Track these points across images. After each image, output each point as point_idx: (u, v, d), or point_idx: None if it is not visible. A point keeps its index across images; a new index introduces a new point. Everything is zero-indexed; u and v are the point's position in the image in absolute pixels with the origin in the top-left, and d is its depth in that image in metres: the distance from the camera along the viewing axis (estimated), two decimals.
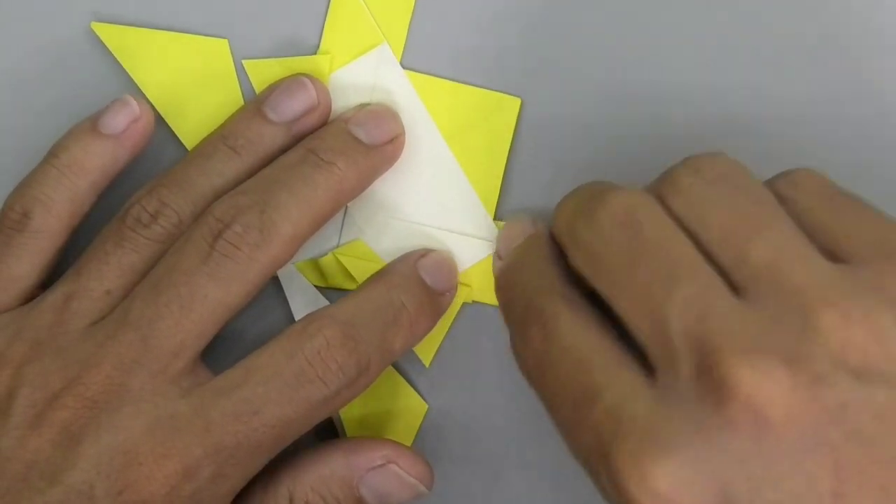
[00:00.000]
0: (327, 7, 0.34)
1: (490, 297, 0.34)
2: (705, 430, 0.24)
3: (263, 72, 0.34)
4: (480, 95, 0.34)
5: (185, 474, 0.29)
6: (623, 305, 0.26)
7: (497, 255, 0.33)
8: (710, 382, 0.24)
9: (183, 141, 0.34)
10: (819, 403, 0.23)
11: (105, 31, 0.35)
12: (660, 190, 0.28)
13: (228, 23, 0.35)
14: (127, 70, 0.34)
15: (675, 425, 0.24)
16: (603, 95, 0.34)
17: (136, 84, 0.34)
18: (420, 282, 0.33)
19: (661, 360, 0.25)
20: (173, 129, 0.34)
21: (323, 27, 0.34)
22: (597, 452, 0.25)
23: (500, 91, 0.34)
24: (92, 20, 0.35)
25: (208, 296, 0.30)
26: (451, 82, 0.34)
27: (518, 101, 0.34)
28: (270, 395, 0.29)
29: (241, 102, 0.34)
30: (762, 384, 0.23)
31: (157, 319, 0.30)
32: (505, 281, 0.30)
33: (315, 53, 0.34)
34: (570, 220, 0.28)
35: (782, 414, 0.23)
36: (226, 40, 0.35)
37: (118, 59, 0.35)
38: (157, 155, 0.34)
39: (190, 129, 0.34)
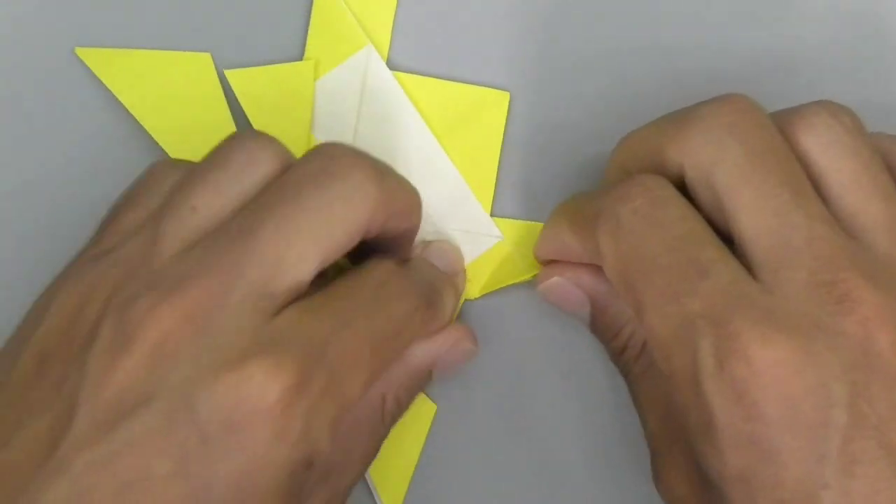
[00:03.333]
0: (309, 13, 0.34)
1: (493, 285, 0.34)
2: (823, 329, 0.26)
3: (247, 81, 0.34)
4: (469, 91, 0.34)
5: (297, 389, 0.27)
6: (747, 197, 0.28)
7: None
8: (831, 294, 0.26)
9: (171, 156, 0.34)
10: None
11: (89, 56, 0.35)
12: (789, 121, 0.29)
13: (211, 37, 0.35)
14: (113, 91, 0.34)
15: (792, 316, 0.26)
16: (592, 84, 0.34)
17: (123, 105, 0.34)
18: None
19: (778, 258, 0.27)
20: (162, 146, 0.34)
21: (306, 33, 0.34)
22: (707, 318, 0.27)
23: (489, 86, 0.34)
24: (75, 45, 0.35)
25: (312, 223, 0.28)
26: (438, 80, 0.34)
27: (507, 95, 0.34)
28: (358, 309, 0.29)
29: (228, 115, 0.34)
30: (882, 309, 0.26)
31: (258, 230, 0.28)
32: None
33: (300, 60, 0.34)
34: (687, 112, 0.29)
35: (889, 341, 0.26)
36: (208, 54, 0.34)
37: (104, 81, 0.34)
38: None
39: (178, 144, 0.34)
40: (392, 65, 0.34)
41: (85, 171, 0.34)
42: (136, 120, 0.34)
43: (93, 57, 0.35)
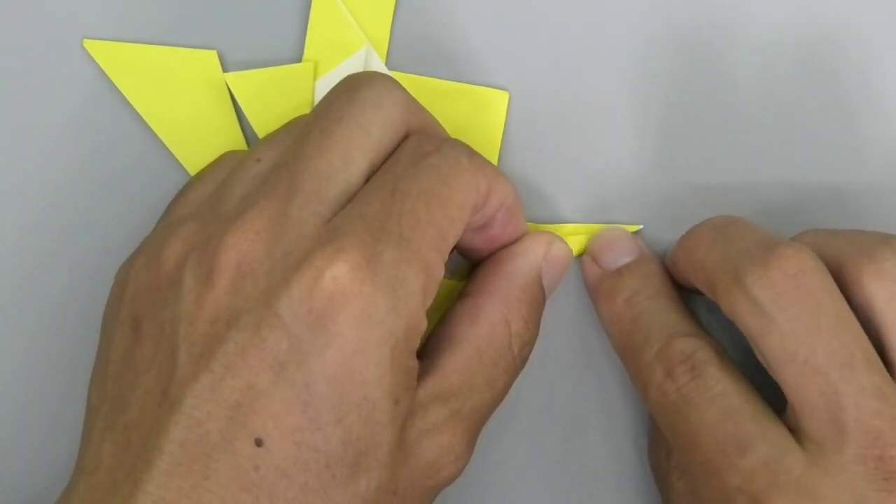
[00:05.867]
0: (308, 14, 0.34)
1: None
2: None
3: (247, 84, 0.34)
4: (468, 92, 0.34)
5: (368, 265, 0.27)
6: (791, 373, 0.28)
7: (592, 260, 0.33)
8: (879, 470, 0.26)
9: (174, 153, 0.35)
10: None
11: (96, 48, 0.35)
12: (855, 262, 0.28)
13: (209, 37, 0.35)
14: (117, 85, 0.35)
15: (834, 492, 0.26)
16: (591, 84, 0.34)
17: (127, 100, 0.35)
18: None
19: (824, 433, 0.27)
20: (165, 142, 0.35)
21: (305, 34, 0.34)
22: (747, 496, 0.27)
23: (488, 86, 0.34)
24: (84, 38, 0.35)
25: (350, 128, 0.29)
26: (437, 80, 0.34)
27: (506, 95, 0.34)
28: (399, 176, 0.29)
29: (233, 113, 0.34)
30: None
31: (304, 150, 0.29)
32: (628, 311, 0.32)
33: (299, 60, 0.34)
34: (736, 267, 0.29)
35: None
36: (214, 52, 0.35)
37: (109, 75, 0.35)
38: (149, 169, 0.35)
39: (182, 141, 0.34)
40: (391, 65, 0.34)
41: (88, 163, 0.35)
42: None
43: (100, 50, 0.35)
